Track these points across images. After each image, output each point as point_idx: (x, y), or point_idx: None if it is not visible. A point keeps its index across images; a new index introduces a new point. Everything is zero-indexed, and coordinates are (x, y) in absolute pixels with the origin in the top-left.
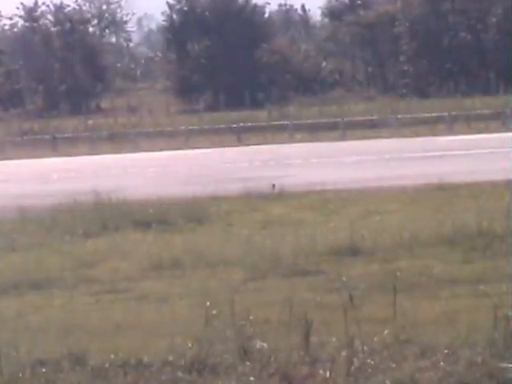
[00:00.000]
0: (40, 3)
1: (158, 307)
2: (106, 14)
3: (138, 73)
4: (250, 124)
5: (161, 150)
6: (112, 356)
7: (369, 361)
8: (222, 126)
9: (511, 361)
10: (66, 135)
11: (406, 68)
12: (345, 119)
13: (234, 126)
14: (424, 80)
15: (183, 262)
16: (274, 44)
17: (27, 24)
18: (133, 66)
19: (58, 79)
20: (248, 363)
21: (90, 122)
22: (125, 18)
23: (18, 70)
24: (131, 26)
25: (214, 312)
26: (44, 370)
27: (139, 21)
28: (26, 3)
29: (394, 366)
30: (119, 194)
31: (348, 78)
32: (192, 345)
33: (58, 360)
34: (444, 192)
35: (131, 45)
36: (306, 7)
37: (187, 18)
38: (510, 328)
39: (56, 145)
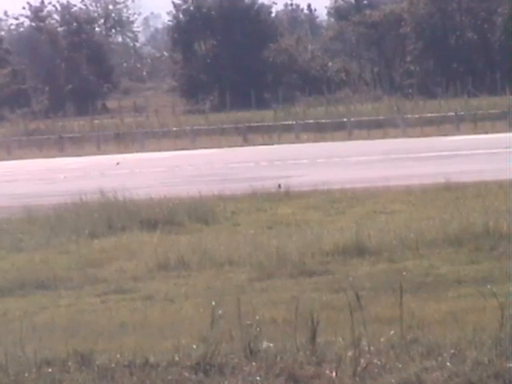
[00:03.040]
0: (46, 3)
1: (164, 307)
2: (113, 14)
3: (145, 72)
4: (256, 124)
5: (167, 149)
6: (118, 356)
7: (375, 361)
8: (228, 125)
9: None
10: (72, 135)
11: (412, 68)
12: (351, 119)
13: (240, 125)
14: (430, 80)
15: (189, 261)
16: (280, 44)
17: (33, 24)
18: (139, 65)
19: (64, 79)
20: (254, 363)
21: (97, 121)
22: (131, 18)
23: (24, 70)
24: (137, 26)
25: (220, 312)
26: (50, 369)
27: (145, 20)
28: (32, 3)
29: (400, 366)
30: (125, 193)
31: (354, 78)
32: (198, 345)
33: (64, 360)
34: (450, 192)
35: (137, 44)
36: (312, 7)
37: (193, 17)
38: None
39: (62, 145)
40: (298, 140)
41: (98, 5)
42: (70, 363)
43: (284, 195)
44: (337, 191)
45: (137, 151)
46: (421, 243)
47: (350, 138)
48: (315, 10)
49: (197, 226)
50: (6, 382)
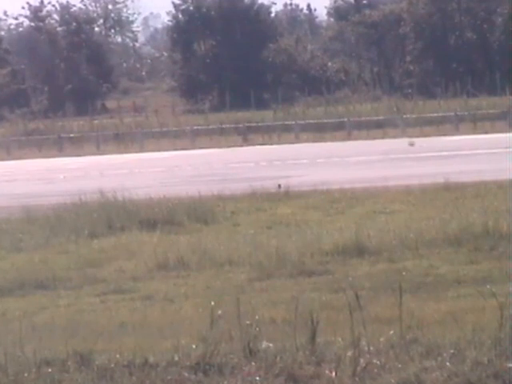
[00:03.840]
0: (46, 3)
1: (163, 307)
2: (112, 14)
3: (144, 72)
4: (255, 124)
5: (166, 149)
6: (117, 356)
7: (375, 361)
8: (228, 125)
9: None
10: (71, 135)
11: (411, 68)
12: (350, 119)
13: (240, 125)
14: (430, 80)
15: (189, 261)
16: (279, 44)
17: (33, 24)
18: (138, 65)
19: (63, 79)
20: (254, 363)
21: (96, 121)
22: (130, 18)
23: (24, 70)
24: (137, 26)
25: (220, 312)
26: (49, 369)
27: (145, 20)
28: (31, 3)
29: (399, 366)
30: (125, 193)
31: (354, 78)
32: (198, 345)
33: (64, 360)
34: (450, 192)
35: (137, 44)
36: (312, 7)
37: (193, 17)
38: None
39: (62, 145)
40: (297, 140)
41: (98, 5)
42: (69, 363)
43: (284, 195)
44: (336, 191)
45: (136, 151)
46: (420, 243)
47: (349, 138)
48: (315, 9)
49: (196, 225)
50: (5, 381)
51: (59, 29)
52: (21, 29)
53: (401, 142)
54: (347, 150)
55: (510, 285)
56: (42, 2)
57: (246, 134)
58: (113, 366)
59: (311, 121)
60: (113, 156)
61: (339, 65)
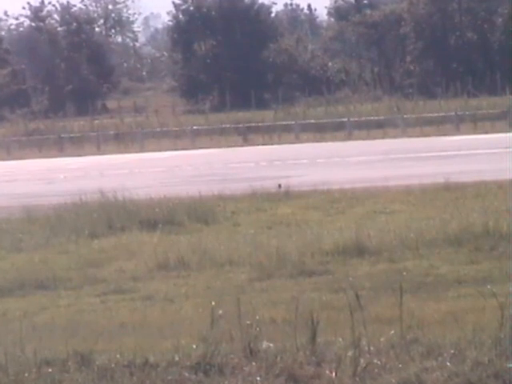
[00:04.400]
0: (46, 3)
1: (163, 307)
2: (113, 14)
3: (144, 73)
4: (256, 124)
5: (167, 149)
6: (118, 356)
7: (375, 361)
8: (228, 126)
9: None
10: (72, 135)
11: (412, 68)
12: (351, 119)
13: (240, 126)
14: (430, 80)
15: (189, 261)
16: (280, 44)
17: (33, 24)
18: (139, 65)
19: (64, 79)
20: (254, 363)
21: (96, 121)
22: (131, 18)
23: (24, 70)
24: (137, 26)
25: (220, 312)
26: (50, 369)
27: (145, 20)
28: (32, 3)
29: (400, 366)
30: (125, 193)
31: (354, 78)
32: (198, 345)
33: (64, 360)
34: (450, 192)
35: (137, 44)
36: (312, 7)
37: (193, 17)
38: None
39: (62, 145)
40: (297, 140)
41: (98, 5)
42: (69, 363)
43: (284, 195)
44: (336, 191)
45: (136, 151)
46: (421, 243)
47: (349, 138)
48: (315, 9)
49: (197, 226)
50: (5, 381)
51: (60, 29)
52: (21, 29)
53: (401, 142)
54: (347, 150)
55: (511, 285)
56: (42, 2)
57: (247, 134)
58: (113, 366)
59: (311, 121)
60: (113, 156)
61: (340, 65)
